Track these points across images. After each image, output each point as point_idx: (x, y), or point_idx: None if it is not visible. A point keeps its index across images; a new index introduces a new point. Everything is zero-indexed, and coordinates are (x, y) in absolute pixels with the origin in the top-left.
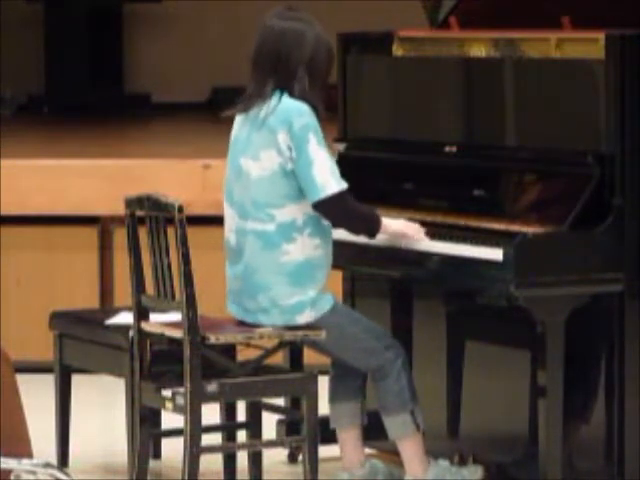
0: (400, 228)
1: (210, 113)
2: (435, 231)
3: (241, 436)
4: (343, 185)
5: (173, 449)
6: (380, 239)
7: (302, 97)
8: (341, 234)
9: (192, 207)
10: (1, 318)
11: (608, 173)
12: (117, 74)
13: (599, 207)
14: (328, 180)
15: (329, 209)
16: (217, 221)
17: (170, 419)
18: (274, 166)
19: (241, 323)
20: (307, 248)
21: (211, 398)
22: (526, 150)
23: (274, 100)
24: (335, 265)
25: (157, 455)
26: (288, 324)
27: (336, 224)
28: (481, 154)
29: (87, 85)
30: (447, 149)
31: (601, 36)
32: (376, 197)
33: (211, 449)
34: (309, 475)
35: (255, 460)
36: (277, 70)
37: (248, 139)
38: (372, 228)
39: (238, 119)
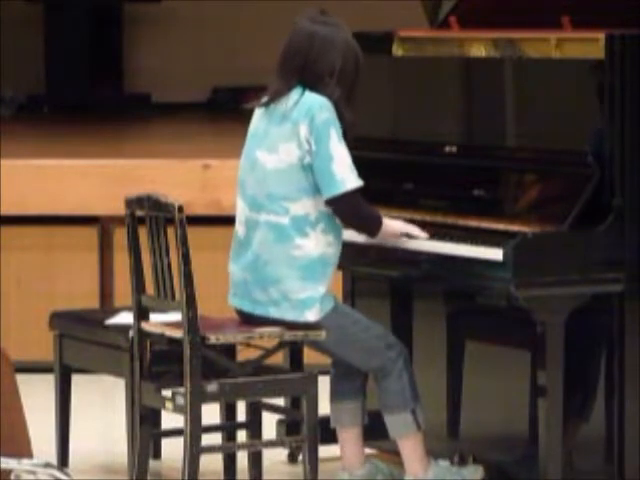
0: (399, 227)
1: (210, 113)
2: (435, 231)
3: (241, 436)
4: (360, 182)
5: (173, 449)
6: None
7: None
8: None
9: (192, 207)
10: (1, 318)
11: (608, 173)
12: (117, 74)
13: (599, 207)
14: (348, 176)
15: (344, 205)
16: (217, 221)
17: (170, 419)
18: (293, 159)
19: (247, 316)
20: (321, 244)
21: (211, 398)
22: (526, 150)
23: (296, 94)
24: None
25: (157, 455)
26: (297, 320)
27: (345, 220)
28: (481, 154)
29: (87, 85)
30: (447, 149)
31: (601, 36)
32: (376, 197)
33: (211, 449)
34: (309, 475)
35: (255, 460)
36: (304, 73)
37: (266, 133)
38: (375, 228)
39: (257, 113)
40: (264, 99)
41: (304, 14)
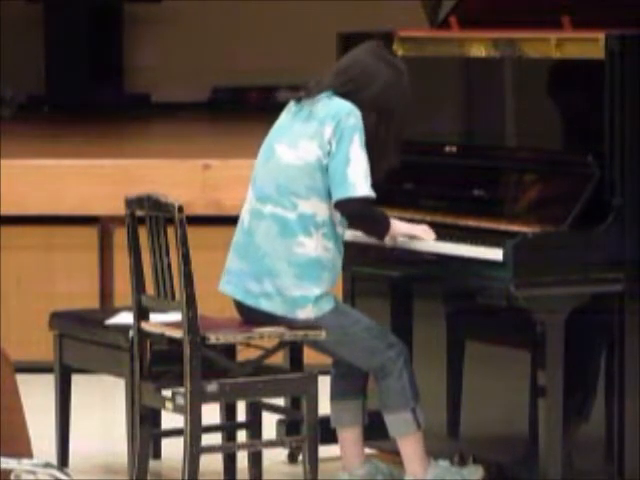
0: (407, 229)
1: (210, 113)
2: (435, 231)
3: (241, 436)
4: (371, 193)
5: (173, 449)
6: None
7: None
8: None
9: (192, 207)
10: (1, 318)
11: (608, 173)
12: (117, 74)
13: (599, 207)
14: (360, 182)
15: (352, 209)
16: (217, 221)
17: (170, 419)
18: (311, 157)
19: (238, 305)
20: (320, 246)
21: (211, 398)
22: (526, 150)
23: (326, 96)
24: None
25: (157, 455)
26: (287, 315)
27: (353, 224)
28: (481, 154)
29: (87, 85)
30: (447, 149)
31: (601, 36)
32: (377, 197)
33: (211, 449)
34: (309, 475)
35: (255, 460)
36: (347, 94)
37: (289, 127)
38: (383, 232)
39: (288, 107)
40: (301, 93)
41: (370, 42)
